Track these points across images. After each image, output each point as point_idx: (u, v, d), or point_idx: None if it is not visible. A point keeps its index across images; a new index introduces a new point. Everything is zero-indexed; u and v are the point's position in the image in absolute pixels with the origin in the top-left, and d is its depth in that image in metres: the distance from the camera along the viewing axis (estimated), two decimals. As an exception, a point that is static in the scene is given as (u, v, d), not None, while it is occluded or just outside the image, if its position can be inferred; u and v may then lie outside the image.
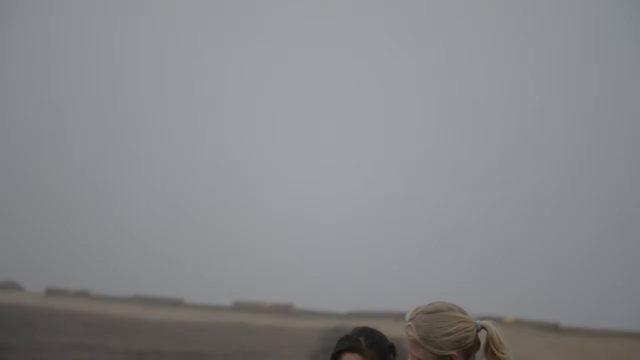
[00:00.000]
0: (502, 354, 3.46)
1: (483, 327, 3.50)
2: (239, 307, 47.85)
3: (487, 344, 3.49)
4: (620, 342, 30.46)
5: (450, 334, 3.42)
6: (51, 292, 57.17)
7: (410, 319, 3.51)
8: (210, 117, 75.59)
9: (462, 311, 3.50)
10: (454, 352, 3.43)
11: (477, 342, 3.49)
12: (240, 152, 75.10)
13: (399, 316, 39.68)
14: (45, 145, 78.11)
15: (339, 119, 72.30)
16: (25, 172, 78.00)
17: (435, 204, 67.88)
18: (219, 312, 44.39)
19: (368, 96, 72.58)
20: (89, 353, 23.44)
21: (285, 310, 46.33)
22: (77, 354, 23.14)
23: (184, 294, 52.71)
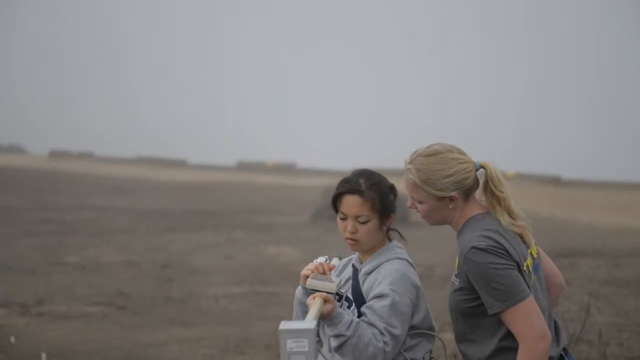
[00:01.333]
0: (501, 192, 3.50)
1: (482, 167, 3.52)
2: (243, 167, 48.12)
3: (486, 182, 3.52)
4: (621, 192, 30.74)
5: (450, 175, 3.44)
6: (54, 155, 57.42)
7: (410, 162, 3.52)
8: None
9: (461, 152, 3.51)
10: (454, 193, 3.46)
11: (476, 182, 3.52)
12: (240, 14, 74.26)
13: (401, 172, 39.63)
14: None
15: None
16: (24, 33, 77.34)
17: (437, 50, 67.40)
18: (222, 172, 44.63)
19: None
20: (95, 212, 23.69)
21: (288, 168, 46.61)
22: (83, 213, 23.40)
23: (187, 155, 52.98)
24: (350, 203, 3.56)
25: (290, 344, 3.18)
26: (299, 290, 3.70)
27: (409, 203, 3.55)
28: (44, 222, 20.93)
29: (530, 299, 3.33)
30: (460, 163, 3.44)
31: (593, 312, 6.96)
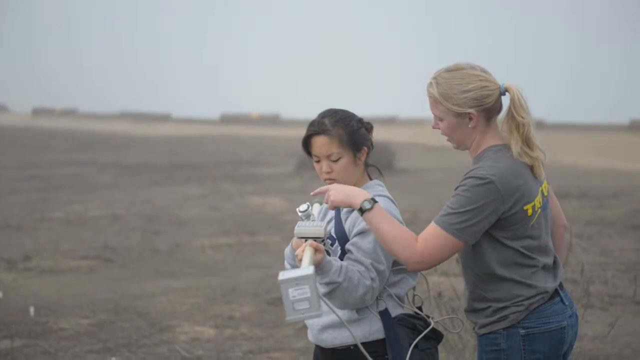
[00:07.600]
0: (522, 117, 3.44)
1: (507, 90, 3.47)
2: (227, 119, 48.00)
3: (509, 107, 3.48)
4: (603, 134, 30.85)
5: (469, 90, 3.40)
6: (37, 112, 57.15)
7: (433, 78, 3.49)
8: None
9: (485, 71, 3.46)
10: (472, 111, 3.42)
11: (499, 105, 3.47)
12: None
13: (386, 121, 39.95)
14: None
15: None
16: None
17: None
18: (206, 125, 44.56)
19: None
20: (80, 168, 23.65)
21: (272, 120, 46.52)
22: (68, 169, 23.35)
23: (171, 109, 52.86)
24: (319, 143, 3.58)
25: (293, 293, 3.20)
26: (288, 249, 3.70)
27: (433, 123, 3.52)
28: (28, 179, 20.89)
29: (455, 241, 3.29)
30: (481, 80, 3.39)
31: (577, 251, 7.01)
